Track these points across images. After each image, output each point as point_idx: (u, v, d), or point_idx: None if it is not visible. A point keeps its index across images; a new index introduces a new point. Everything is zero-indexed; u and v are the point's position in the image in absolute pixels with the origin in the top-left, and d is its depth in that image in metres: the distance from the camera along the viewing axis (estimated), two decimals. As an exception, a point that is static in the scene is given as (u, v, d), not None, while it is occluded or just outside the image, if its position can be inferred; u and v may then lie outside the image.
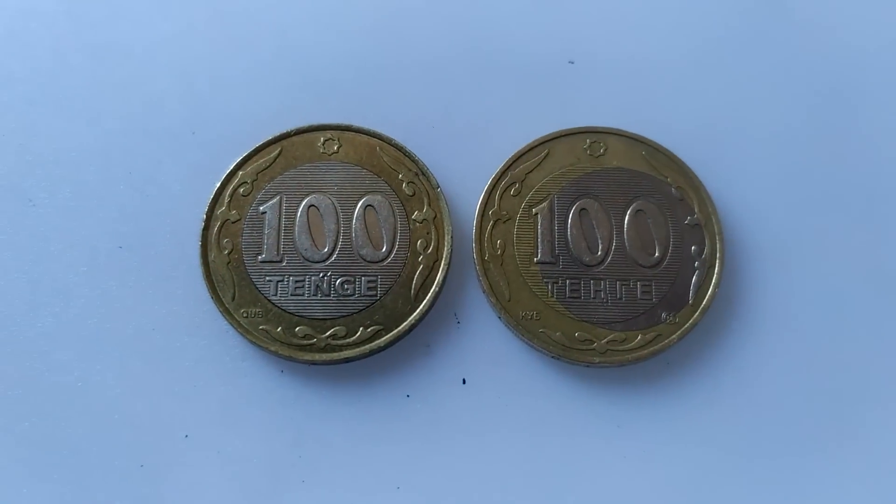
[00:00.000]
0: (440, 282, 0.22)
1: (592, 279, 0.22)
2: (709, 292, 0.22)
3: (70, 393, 0.21)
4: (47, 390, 0.21)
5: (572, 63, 0.24)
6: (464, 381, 0.22)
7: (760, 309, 0.22)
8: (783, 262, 0.23)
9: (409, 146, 0.23)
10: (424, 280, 0.22)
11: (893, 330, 0.23)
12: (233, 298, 0.21)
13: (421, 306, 0.21)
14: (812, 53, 0.25)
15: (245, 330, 0.21)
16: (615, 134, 0.23)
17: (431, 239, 0.22)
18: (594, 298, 0.22)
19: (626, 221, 0.23)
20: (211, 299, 0.21)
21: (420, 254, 0.22)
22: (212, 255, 0.22)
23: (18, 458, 0.20)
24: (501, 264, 0.22)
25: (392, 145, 0.23)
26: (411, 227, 0.22)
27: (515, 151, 0.23)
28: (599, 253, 0.22)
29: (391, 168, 0.23)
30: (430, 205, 0.22)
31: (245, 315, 0.21)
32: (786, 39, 0.25)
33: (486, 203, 0.22)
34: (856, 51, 0.25)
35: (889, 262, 0.23)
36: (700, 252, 0.22)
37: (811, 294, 0.23)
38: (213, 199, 0.22)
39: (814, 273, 0.23)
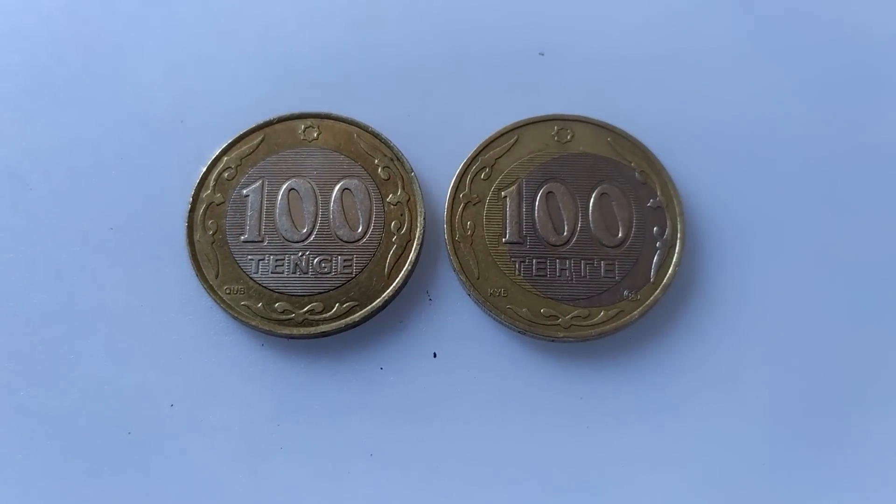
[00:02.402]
0: (412, 261, 0.23)
1: (558, 258, 0.23)
2: (669, 271, 0.23)
3: (63, 365, 0.23)
4: (41, 362, 0.23)
5: (542, 55, 0.26)
6: (434, 355, 0.23)
7: (718, 287, 0.24)
8: (740, 243, 0.24)
9: (385, 133, 0.24)
10: (398, 259, 0.23)
11: (845, 308, 0.24)
12: (216, 276, 0.23)
13: (394, 284, 0.23)
14: (772, 42, 0.27)
15: (228, 306, 0.23)
16: (581, 121, 0.25)
17: (405, 220, 0.24)
18: (559, 277, 0.23)
19: (591, 204, 0.24)
20: (196, 277, 0.23)
21: (394, 234, 0.23)
22: (197, 236, 0.23)
23: (13, 427, 0.22)
24: (471, 244, 0.23)
25: (368, 132, 0.24)
26: (386, 209, 0.24)
27: (486, 138, 0.24)
28: (565, 234, 0.24)
29: (367, 154, 0.24)
30: (403, 188, 0.24)
31: (228, 292, 0.23)
32: (746, 28, 0.27)
33: (458, 187, 0.24)
34: (815, 38, 0.27)
35: (843, 243, 0.25)
36: (661, 233, 0.24)
37: (766, 273, 0.24)
38: (198, 183, 0.24)
39: (769, 253, 0.24)
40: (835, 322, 0.24)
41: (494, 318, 0.23)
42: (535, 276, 0.23)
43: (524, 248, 0.23)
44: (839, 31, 0.27)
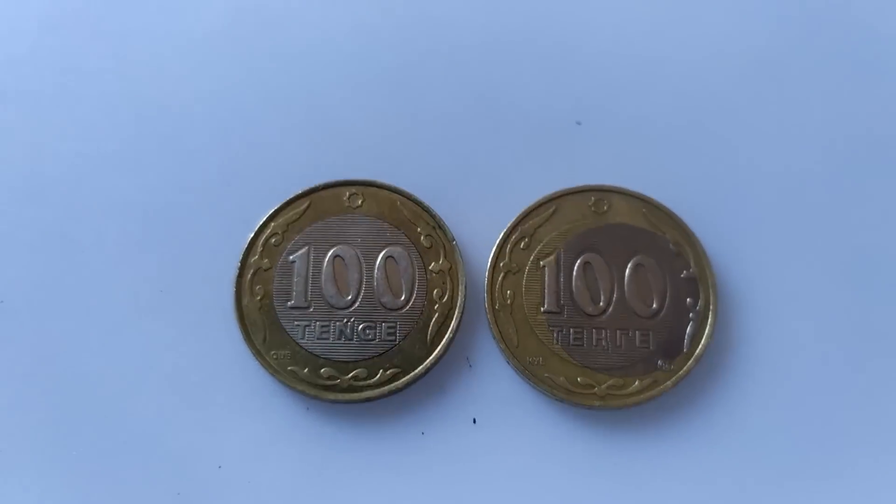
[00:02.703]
0: (454, 328, 0.24)
1: (595, 328, 0.24)
2: (702, 342, 0.24)
3: (113, 425, 0.23)
4: (93, 423, 0.23)
5: (579, 124, 0.27)
6: (474, 421, 0.24)
7: (751, 358, 0.25)
8: (773, 314, 0.25)
9: (427, 201, 0.25)
10: (440, 327, 0.24)
11: (880, 382, 0.25)
12: (263, 341, 0.24)
13: (436, 351, 0.24)
14: (805, 116, 0.28)
15: (274, 370, 0.23)
16: (618, 192, 0.26)
17: (447, 289, 0.24)
18: (596, 346, 0.24)
19: (626, 275, 0.25)
20: (243, 341, 0.24)
21: (436, 302, 0.24)
22: (245, 301, 0.24)
23: (68, 484, 0.23)
24: (511, 313, 0.24)
25: (411, 200, 0.25)
26: (428, 277, 0.24)
27: (525, 208, 0.25)
28: (602, 304, 0.24)
29: (410, 221, 0.25)
30: (445, 257, 0.25)
31: (274, 356, 0.24)
32: (778, 102, 0.28)
33: (498, 256, 0.25)
34: (849, 109, 0.28)
35: (879, 318, 0.25)
36: (695, 304, 0.25)
37: (799, 345, 0.25)
38: (246, 248, 0.24)
39: (802, 325, 0.25)
40: (866, 395, 0.24)
41: (532, 386, 0.24)
42: (573, 345, 0.24)
43: (562, 318, 0.24)
44: (876, 104, 0.28)
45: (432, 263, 0.25)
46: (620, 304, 0.25)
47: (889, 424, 0.24)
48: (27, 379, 0.24)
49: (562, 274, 0.25)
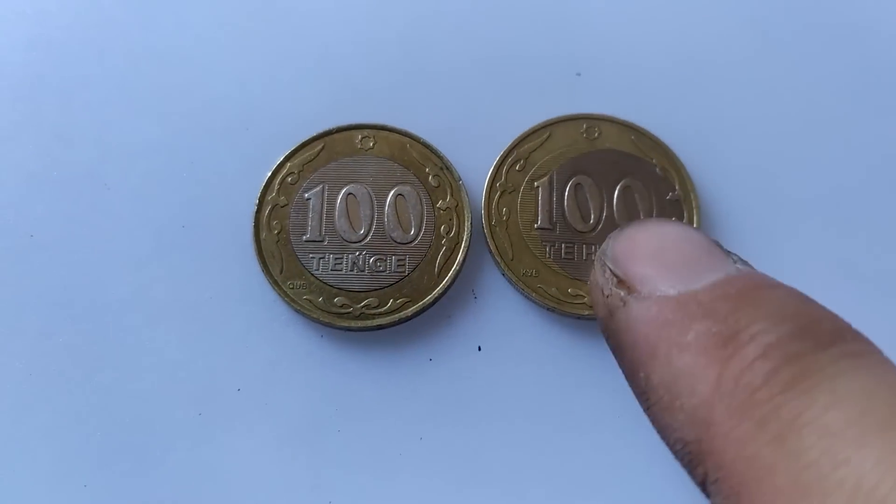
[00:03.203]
0: (460, 262, 0.25)
1: (585, 244, 0.26)
2: (683, 258, 0.26)
3: (139, 350, 0.25)
4: (120, 347, 0.25)
5: (579, 75, 0.28)
6: (479, 349, 0.25)
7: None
8: (751, 234, 0.27)
9: (435, 144, 0.27)
10: (447, 260, 0.25)
11: (854, 305, 0.26)
12: (281, 272, 0.25)
13: (443, 282, 0.25)
14: (789, 49, 0.29)
15: (291, 299, 0.25)
16: (608, 120, 0.27)
17: (453, 225, 0.26)
18: (586, 260, 0.26)
19: (615, 196, 0.26)
20: (262, 273, 0.25)
21: (443, 237, 0.26)
22: (263, 235, 0.25)
23: (94, 405, 0.24)
24: (506, 229, 0.26)
25: (420, 143, 0.27)
26: (436, 214, 0.26)
27: (521, 133, 0.27)
28: (591, 222, 0.26)
29: (419, 162, 0.26)
30: (452, 195, 0.26)
31: (291, 287, 0.25)
32: (762, 38, 0.29)
33: (495, 177, 0.26)
34: (836, 43, 0.29)
35: (854, 241, 0.27)
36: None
37: (775, 261, 0.26)
38: (264, 186, 0.26)
39: (778, 244, 0.27)
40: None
41: (526, 296, 0.25)
42: (564, 258, 0.26)
43: (554, 234, 0.26)
44: (862, 35, 0.29)
45: (440, 201, 0.26)
46: (609, 222, 0.26)
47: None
48: (56, 308, 0.25)
49: (554, 194, 0.26)
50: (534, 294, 0.25)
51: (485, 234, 0.26)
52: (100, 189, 0.26)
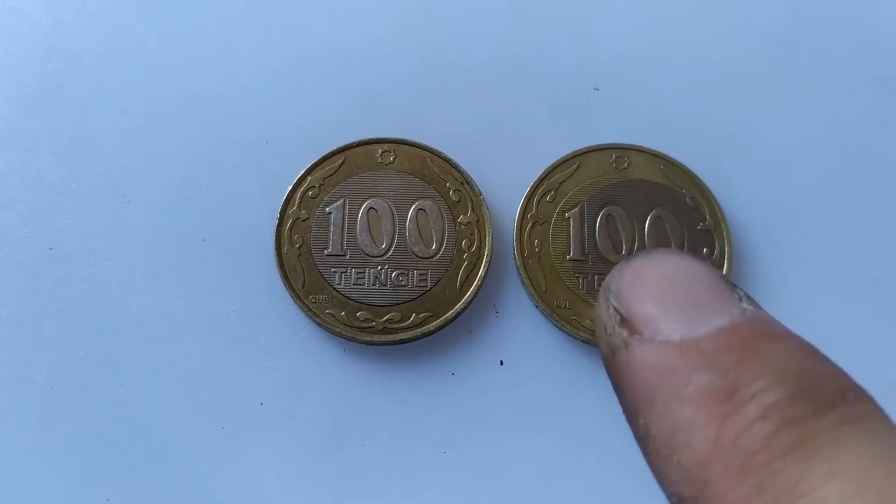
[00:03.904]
0: (482, 276, 0.26)
1: None
2: (716, 289, 0.26)
3: (161, 365, 0.25)
4: (140, 362, 0.25)
5: (597, 90, 0.29)
6: (501, 363, 0.26)
7: (763, 302, 0.26)
8: (783, 263, 0.27)
9: (456, 159, 0.27)
10: (468, 275, 0.26)
11: (882, 331, 0.27)
12: (303, 286, 0.25)
13: (465, 297, 0.25)
14: (816, 76, 0.30)
15: (313, 313, 0.25)
16: (637, 150, 0.28)
17: (475, 239, 0.26)
18: None
19: (646, 226, 0.27)
20: (283, 286, 0.25)
21: (465, 252, 0.26)
22: (284, 249, 0.26)
23: (117, 419, 0.24)
24: (539, 260, 0.26)
25: (441, 157, 0.27)
26: (457, 228, 0.26)
27: (551, 163, 0.27)
28: (624, 252, 0.26)
29: (440, 177, 0.27)
30: (473, 210, 0.26)
31: (313, 301, 0.25)
32: (789, 64, 0.30)
33: (526, 207, 0.27)
34: (860, 71, 0.30)
35: (881, 265, 0.27)
36: (711, 254, 0.26)
37: (805, 291, 0.27)
38: (285, 200, 0.26)
39: (808, 273, 0.27)
40: (871, 342, 0.26)
41: (560, 328, 0.25)
42: (597, 290, 0.26)
43: (587, 265, 0.26)
44: (889, 54, 0.30)
45: (461, 216, 0.26)
46: None
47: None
48: (77, 321, 0.25)
49: (586, 224, 0.27)
50: (568, 326, 0.25)
51: (517, 265, 0.26)
52: (120, 202, 0.27)
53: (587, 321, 0.25)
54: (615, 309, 0.15)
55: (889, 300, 0.27)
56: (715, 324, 0.14)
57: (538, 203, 0.27)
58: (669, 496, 0.14)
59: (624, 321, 0.15)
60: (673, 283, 0.15)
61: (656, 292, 0.15)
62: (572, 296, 0.26)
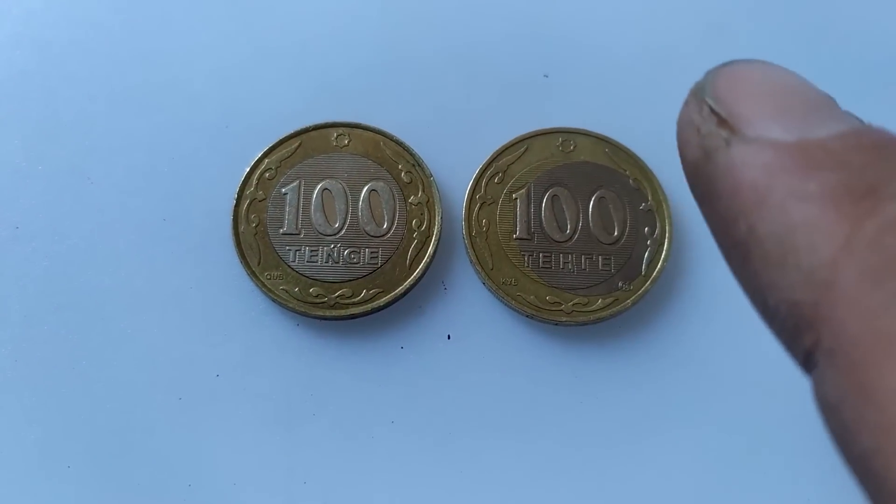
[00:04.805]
0: (431, 254, 0.27)
1: (562, 253, 0.27)
2: (658, 266, 0.27)
3: (121, 339, 0.26)
4: (102, 335, 0.26)
5: (546, 76, 0.30)
6: (448, 337, 0.27)
7: (701, 280, 0.28)
8: None
9: (408, 142, 0.28)
10: (418, 253, 0.27)
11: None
12: (258, 263, 0.27)
13: (414, 274, 0.27)
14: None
15: (268, 290, 0.26)
16: (583, 134, 0.29)
17: (424, 219, 0.27)
18: (563, 269, 0.27)
19: (590, 206, 0.28)
20: (240, 264, 0.26)
21: (415, 231, 0.27)
22: (241, 228, 0.27)
23: (76, 391, 0.26)
24: (486, 239, 0.27)
25: (393, 140, 0.28)
26: (408, 208, 0.27)
27: (500, 146, 0.29)
28: (568, 231, 0.28)
29: (392, 159, 0.28)
30: (424, 191, 0.28)
31: (268, 277, 0.26)
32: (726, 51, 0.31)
33: (475, 189, 0.28)
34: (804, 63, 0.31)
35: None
36: (652, 232, 0.28)
37: None
38: (243, 181, 0.27)
39: None
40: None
41: (505, 304, 0.27)
42: (542, 268, 0.27)
43: (532, 244, 0.27)
44: (830, 38, 0.31)
45: (411, 196, 0.28)
46: (585, 232, 0.28)
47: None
48: (41, 297, 0.27)
49: (532, 205, 0.28)
50: (513, 302, 0.27)
51: (465, 244, 0.27)
52: (84, 183, 0.28)
53: (531, 297, 0.27)
54: (711, 109, 0.14)
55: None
56: (836, 128, 0.13)
57: (486, 185, 0.28)
58: (775, 305, 0.13)
59: (723, 122, 0.14)
60: (781, 87, 0.14)
61: (764, 94, 0.14)
62: (518, 273, 0.27)
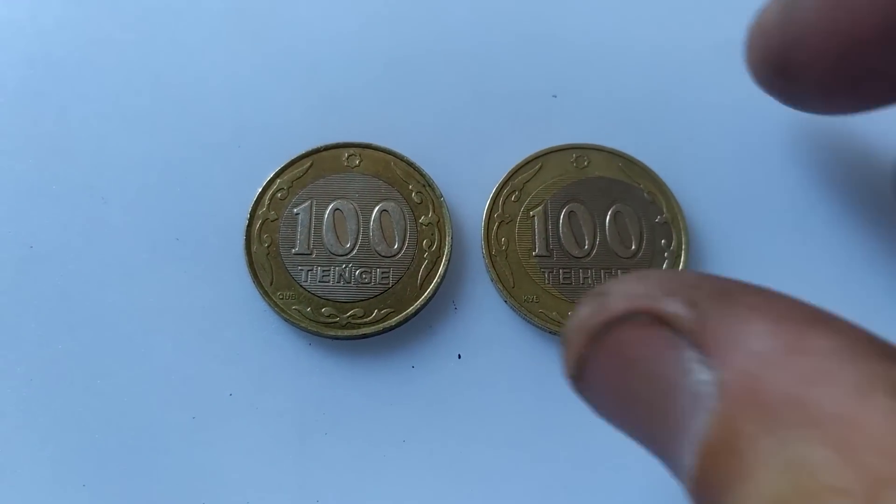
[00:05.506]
0: (441, 274, 0.27)
1: (581, 268, 0.28)
2: (676, 278, 0.28)
3: (135, 358, 0.27)
4: (116, 355, 0.27)
5: (555, 97, 0.31)
6: (459, 356, 0.27)
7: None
8: (738, 253, 0.29)
9: (420, 162, 0.29)
10: (429, 273, 0.27)
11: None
12: (271, 283, 0.27)
13: (425, 294, 0.27)
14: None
15: (280, 309, 0.27)
16: (596, 149, 0.30)
17: (435, 239, 0.28)
18: (583, 284, 0.28)
19: (607, 221, 0.29)
20: (253, 283, 0.27)
21: (425, 251, 0.28)
22: (254, 248, 0.27)
23: (90, 409, 0.26)
24: (506, 258, 0.28)
25: (404, 161, 0.29)
26: (419, 229, 0.28)
27: (515, 164, 0.29)
28: (586, 247, 0.28)
29: (403, 180, 0.28)
30: (434, 211, 0.28)
31: (280, 297, 0.27)
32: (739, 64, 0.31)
33: (492, 208, 0.29)
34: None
35: (833, 255, 0.29)
36: (669, 245, 0.28)
37: (757, 278, 0.28)
38: (255, 201, 0.28)
39: (760, 260, 0.29)
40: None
41: (528, 322, 0.27)
42: (562, 283, 0.28)
43: (552, 260, 0.28)
44: None
45: (422, 217, 0.28)
46: (603, 247, 0.28)
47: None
48: (55, 316, 0.27)
49: (549, 222, 0.28)
50: (536, 319, 0.27)
51: (485, 263, 0.28)
52: (97, 202, 0.28)
53: (553, 313, 0.27)
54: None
55: (841, 290, 0.29)
56: None
57: (503, 203, 0.29)
58: None
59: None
60: None
61: None
62: (539, 290, 0.28)
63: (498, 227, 0.28)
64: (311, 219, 0.28)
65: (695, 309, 0.15)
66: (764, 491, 0.13)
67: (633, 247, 0.28)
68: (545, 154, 0.29)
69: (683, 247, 0.28)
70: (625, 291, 0.17)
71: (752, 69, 0.27)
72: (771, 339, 0.14)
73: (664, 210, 0.29)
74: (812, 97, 0.25)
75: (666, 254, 0.28)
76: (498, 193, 0.29)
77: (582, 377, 0.18)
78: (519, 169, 0.29)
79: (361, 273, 0.27)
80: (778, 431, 0.13)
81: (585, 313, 0.17)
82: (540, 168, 0.29)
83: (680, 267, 0.28)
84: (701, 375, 0.15)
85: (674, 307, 0.16)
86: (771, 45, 0.25)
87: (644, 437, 0.17)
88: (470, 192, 0.29)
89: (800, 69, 0.24)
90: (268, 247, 0.27)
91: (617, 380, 0.17)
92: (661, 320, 0.16)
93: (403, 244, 0.28)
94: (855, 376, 0.13)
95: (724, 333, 0.15)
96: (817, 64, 0.23)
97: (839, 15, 0.22)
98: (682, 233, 0.29)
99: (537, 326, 0.27)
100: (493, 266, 0.28)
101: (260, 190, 0.28)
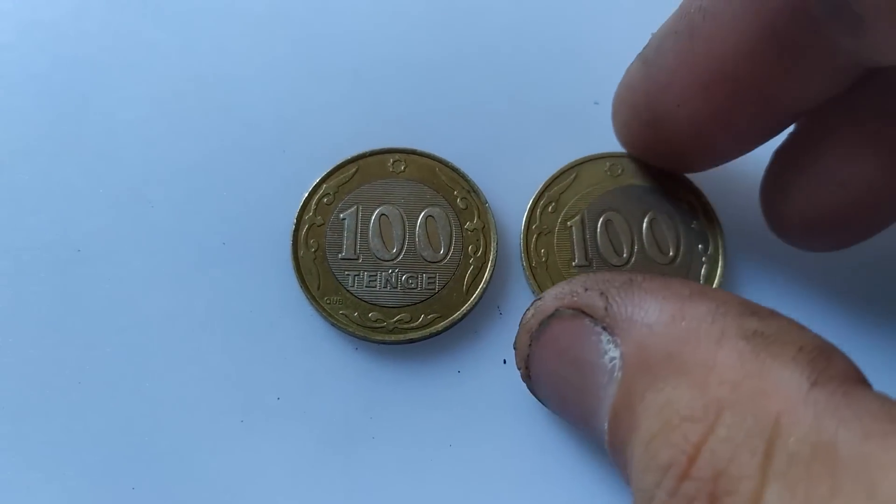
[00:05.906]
0: (487, 280, 0.28)
1: None
2: (715, 282, 0.28)
3: (183, 361, 0.27)
4: (162, 360, 0.27)
5: (597, 104, 0.31)
6: (504, 361, 0.27)
7: (757, 293, 0.28)
8: (774, 255, 0.29)
9: (463, 168, 0.29)
10: (474, 278, 0.28)
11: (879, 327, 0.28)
12: (318, 288, 0.27)
13: (471, 299, 0.27)
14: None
15: (328, 314, 0.27)
16: (629, 157, 0.30)
17: (480, 245, 0.28)
18: None
19: (643, 228, 0.29)
20: (300, 288, 0.27)
21: (471, 256, 0.28)
22: (301, 252, 0.28)
23: (140, 412, 0.26)
24: (546, 269, 0.28)
25: (449, 167, 0.29)
26: (464, 234, 0.28)
27: (550, 176, 0.29)
28: (624, 255, 0.28)
29: (448, 186, 0.29)
30: (479, 217, 0.28)
31: (328, 302, 0.27)
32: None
33: (530, 220, 0.29)
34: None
35: (870, 260, 0.29)
36: (706, 250, 0.29)
37: (795, 279, 0.29)
38: (302, 206, 0.28)
39: (800, 265, 0.29)
40: (864, 337, 0.28)
41: None
42: None
43: (591, 269, 0.28)
44: None
45: (467, 223, 0.28)
46: (641, 254, 0.28)
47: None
48: (102, 320, 0.27)
49: (587, 231, 0.29)
50: None
51: (525, 275, 0.28)
52: (144, 206, 0.28)
53: None
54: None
55: (879, 294, 0.29)
56: None
57: (541, 214, 0.29)
58: None
59: None
60: None
61: None
62: None
63: (537, 238, 0.29)
64: (357, 224, 0.28)
65: (605, 298, 0.19)
66: (644, 434, 0.16)
67: (671, 253, 0.29)
68: (580, 164, 0.30)
69: (720, 251, 0.29)
70: (554, 293, 0.21)
71: (619, 128, 0.28)
72: (658, 313, 0.17)
73: (699, 215, 0.29)
74: (683, 148, 0.27)
75: (703, 258, 0.28)
76: (535, 205, 0.29)
77: (528, 374, 0.22)
78: (554, 180, 0.29)
79: (408, 278, 0.28)
80: (657, 385, 0.16)
81: (527, 317, 0.22)
82: (575, 178, 0.30)
83: (718, 270, 0.28)
84: (611, 353, 0.18)
85: (588, 299, 0.19)
86: (637, 100, 0.27)
87: (577, 417, 0.20)
88: (510, 197, 0.29)
89: (667, 114, 0.26)
90: (314, 252, 0.28)
91: (553, 369, 0.21)
92: (582, 312, 0.19)
93: (449, 250, 0.28)
94: (718, 330, 0.16)
95: (624, 314, 0.18)
96: (687, 104, 0.25)
97: (697, 60, 0.24)
98: (719, 237, 0.29)
99: None
100: (535, 277, 0.28)
101: (306, 195, 0.28)
